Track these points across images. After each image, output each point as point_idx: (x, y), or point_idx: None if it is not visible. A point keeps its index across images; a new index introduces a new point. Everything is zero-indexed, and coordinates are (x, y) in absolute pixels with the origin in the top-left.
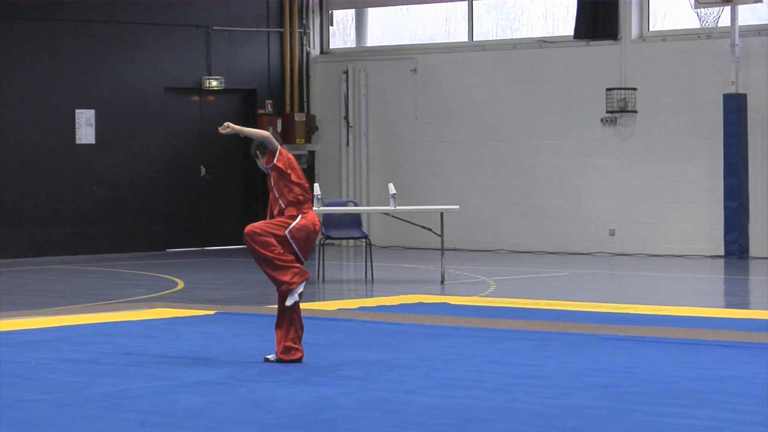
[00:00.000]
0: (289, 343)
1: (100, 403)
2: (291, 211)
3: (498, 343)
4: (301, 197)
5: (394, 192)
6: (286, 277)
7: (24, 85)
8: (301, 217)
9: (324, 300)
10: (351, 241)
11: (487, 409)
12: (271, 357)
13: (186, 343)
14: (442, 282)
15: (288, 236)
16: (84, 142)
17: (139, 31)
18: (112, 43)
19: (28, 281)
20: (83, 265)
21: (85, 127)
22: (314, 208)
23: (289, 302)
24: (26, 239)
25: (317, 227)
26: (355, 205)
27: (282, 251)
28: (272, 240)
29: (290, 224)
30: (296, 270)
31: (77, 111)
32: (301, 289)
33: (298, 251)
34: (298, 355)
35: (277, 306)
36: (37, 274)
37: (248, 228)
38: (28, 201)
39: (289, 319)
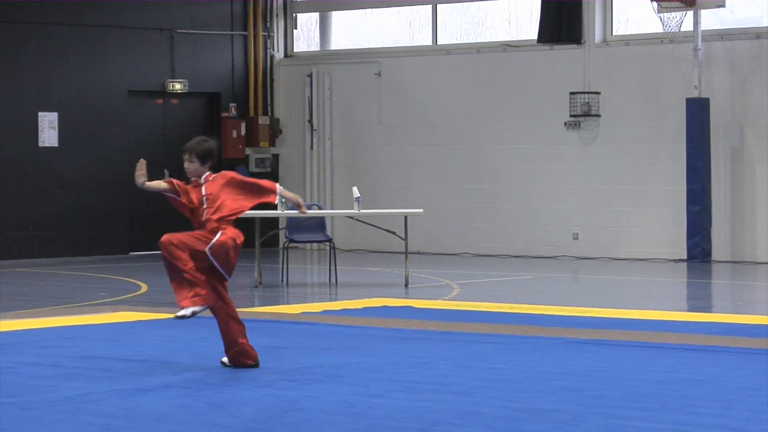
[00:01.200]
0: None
1: (63, 406)
2: (213, 225)
3: (462, 347)
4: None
5: (358, 195)
6: (186, 295)
7: None
8: (222, 233)
9: (288, 303)
10: (315, 245)
11: (451, 413)
12: (225, 360)
13: (149, 346)
14: (407, 285)
15: (208, 253)
16: (47, 145)
17: (103, 33)
18: (75, 45)
19: None
20: (47, 269)
21: (48, 130)
22: (278, 211)
23: (177, 313)
24: None
25: (238, 242)
26: (319, 208)
27: (194, 267)
28: (185, 255)
29: (211, 240)
30: (200, 294)
31: (40, 114)
32: (196, 310)
33: (219, 268)
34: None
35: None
36: (0, 277)
37: (166, 237)
38: None
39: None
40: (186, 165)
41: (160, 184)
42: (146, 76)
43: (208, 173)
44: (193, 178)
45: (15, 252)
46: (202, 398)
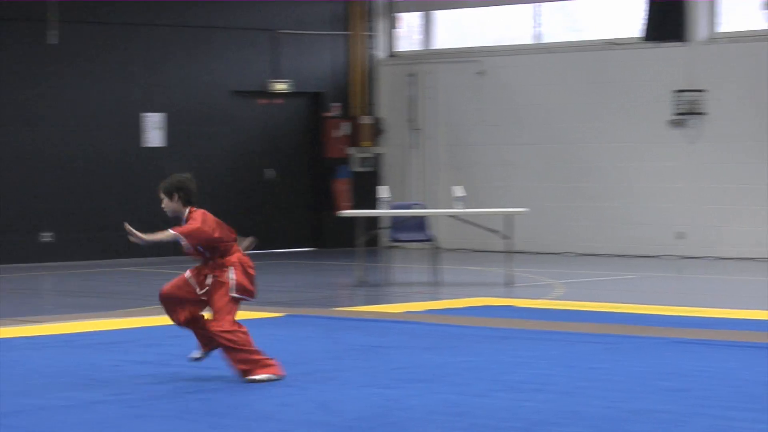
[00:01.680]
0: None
1: (171, 404)
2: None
3: (565, 347)
4: None
5: (461, 194)
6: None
7: (92, 88)
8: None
9: (390, 302)
10: (417, 244)
11: (554, 413)
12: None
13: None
14: (509, 285)
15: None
16: (151, 145)
17: (207, 34)
18: (179, 46)
19: (99, 283)
20: (152, 268)
21: (152, 131)
22: (381, 211)
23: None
24: (95, 242)
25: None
26: (422, 207)
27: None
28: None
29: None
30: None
31: (145, 114)
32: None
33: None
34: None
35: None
36: (107, 276)
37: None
38: (96, 204)
39: None
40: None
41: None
42: (250, 77)
43: (188, 209)
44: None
45: (122, 251)
46: (305, 397)
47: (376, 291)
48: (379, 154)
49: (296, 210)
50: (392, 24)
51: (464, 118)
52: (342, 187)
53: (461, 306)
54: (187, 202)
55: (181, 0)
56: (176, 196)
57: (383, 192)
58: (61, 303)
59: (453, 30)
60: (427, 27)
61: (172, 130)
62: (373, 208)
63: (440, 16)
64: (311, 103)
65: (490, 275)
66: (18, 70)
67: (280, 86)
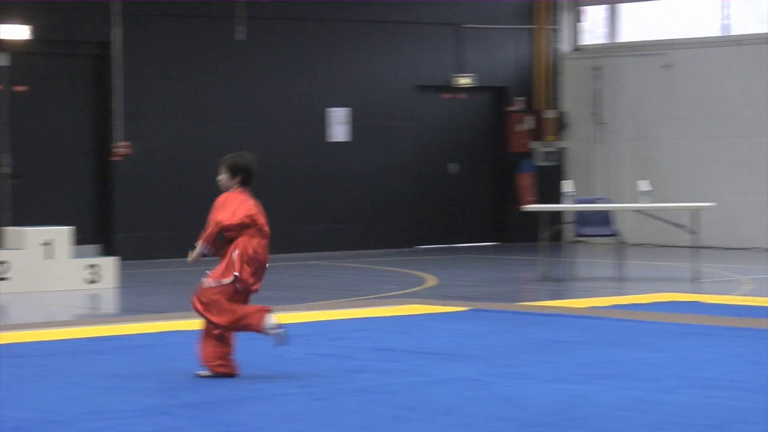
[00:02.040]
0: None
1: (355, 397)
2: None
3: (754, 343)
4: None
5: (647, 189)
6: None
7: (277, 83)
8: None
9: (575, 297)
10: (602, 239)
11: (745, 410)
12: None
13: (439, 339)
14: (696, 281)
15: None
16: (336, 140)
17: (392, 29)
18: (365, 41)
19: (284, 277)
20: (336, 261)
21: (338, 125)
22: (565, 205)
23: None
24: (281, 236)
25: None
26: (606, 202)
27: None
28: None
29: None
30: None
31: (330, 109)
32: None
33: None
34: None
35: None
36: (292, 270)
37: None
38: (282, 198)
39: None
40: (218, 177)
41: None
42: (434, 71)
43: (237, 187)
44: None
45: (307, 245)
46: (491, 391)
47: (561, 286)
48: (563, 149)
49: (480, 204)
50: (577, 17)
51: (650, 111)
52: (526, 181)
53: (647, 301)
54: (243, 184)
55: None
56: (239, 178)
57: (567, 186)
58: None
59: (638, 23)
60: (613, 20)
61: (356, 125)
62: (557, 202)
63: (625, 9)
64: (495, 97)
65: (676, 270)
66: (207, 67)
67: (464, 81)
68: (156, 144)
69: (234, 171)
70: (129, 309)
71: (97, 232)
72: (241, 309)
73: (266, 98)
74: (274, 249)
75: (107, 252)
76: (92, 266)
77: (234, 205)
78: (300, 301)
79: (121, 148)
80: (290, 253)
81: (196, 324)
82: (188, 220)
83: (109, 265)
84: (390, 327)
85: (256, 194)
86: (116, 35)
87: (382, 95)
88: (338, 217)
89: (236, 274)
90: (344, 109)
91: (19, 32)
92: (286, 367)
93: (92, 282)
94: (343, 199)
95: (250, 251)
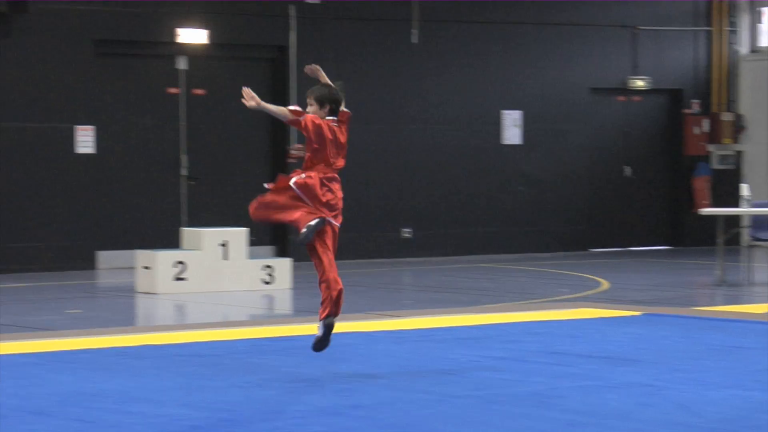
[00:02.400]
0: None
1: (528, 401)
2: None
3: None
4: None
5: None
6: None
7: (451, 86)
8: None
9: (752, 302)
10: None
11: None
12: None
13: (612, 343)
14: None
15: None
16: (510, 142)
17: (567, 31)
18: (539, 44)
19: (456, 279)
20: (509, 264)
21: (512, 128)
22: (741, 209)
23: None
24: (453, 238)
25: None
26: None
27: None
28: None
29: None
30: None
31: (504, 112)
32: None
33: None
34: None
35: None
36: (465, 272)
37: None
38: (454, 200)
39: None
40: (307, 108)
41: (281, 110)
42: (608, 74)
43: (331, 118)
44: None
45: (480, 247)
46: (665, 397)
47: (737, 291)
48: (739, 152)
49: (654, 208)
50: (755, 19)
51: None
52: (701, 184)
53: None
54: (332, 113)
55: None
56: (328, 108)
57: (744, 190)
58: (420, 298)
59: None
60: None
61: (529, 127)
62: (734, 206)
63: None
64: (670, 99)
65: None
66: (381, 70)
67: (639, 83)
68: None
69: (322, 101)
70: (302, 309)
71: (271, 234)
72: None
73: (440, 101)
74: (444, 251)
75: (281, 253)
76: (267, 267)
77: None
78: (473, 304)
79: (296, 150)
80: (463, 256)
81: (369, 326)
82: (360, 222)
83: (283, 266)
84: (563, 331)
85: (428, 196)
86: (292, 39)
87: (555, 98)
88: (511, 220)
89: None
90: (517, 111)
91: (197, 36)
92: (460, 370)
93: (267, 283)
94: (516, 202)
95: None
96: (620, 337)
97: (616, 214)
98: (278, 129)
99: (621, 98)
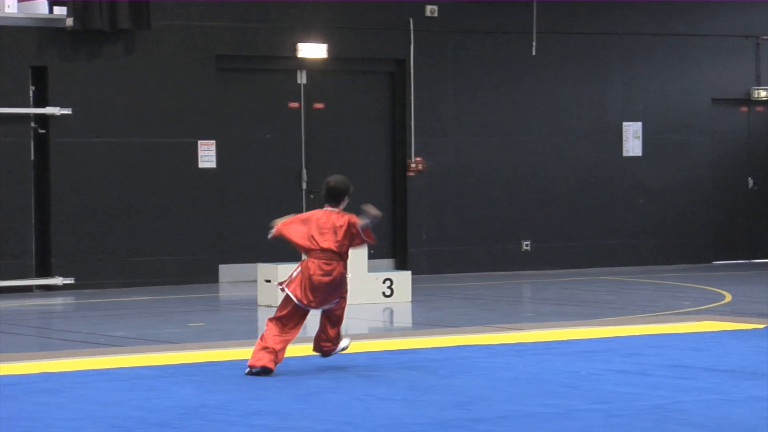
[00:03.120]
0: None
1: (651, 415)
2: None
3: None
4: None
5: None
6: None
7: (571, 97)
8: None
9: None
10: None
11: None
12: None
13: (735, 356)
14: None
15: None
16: (631, 154)
17: (687, 41)
18: (660, 54)
19: (577, 292)
20: (631, 277)
21: (632, 140)
22: None
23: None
24: (573, 250)
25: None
26: None
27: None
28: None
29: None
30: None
31: (625, 123)
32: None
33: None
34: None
35: None
36: (587, 285)
37: None
38: (574, 213)
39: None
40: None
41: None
42: (730, 84)
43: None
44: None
45: (602, 260)
46: None
47: None
48: None
49: None
50: None
51: None
52: None
53: None
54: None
55: (661, 8)
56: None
57: None
58: (541, 311)
59: None
60: None
61: (648, 139)
62: None
63: None
64: None
65: None
66: (500, 82)
67: (763, 93)
68: (450, 159)
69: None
70: (422, 323)
71: (391, 247)
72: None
73: (559, 113)
74: (564, 264)
75: (400, 266)
76: (387, 280)
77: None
78: (595, 317)
79: (417, 163)
80: (583, 268)
81: (490, 339)
82: (479, 235)
83: (403, 279)
84: (685, 344)
85: (548, 208)
86: (412, 52)
87: (676, 108)
88: (633, 232)
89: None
90: (638, 123)
91: (316, 51)
92: (581, 383)
93: (387, 296)
94: (638, 214)
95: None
96: (744, 351)
97: (739, 225)
98: (398, 142)
99: (744, 109)
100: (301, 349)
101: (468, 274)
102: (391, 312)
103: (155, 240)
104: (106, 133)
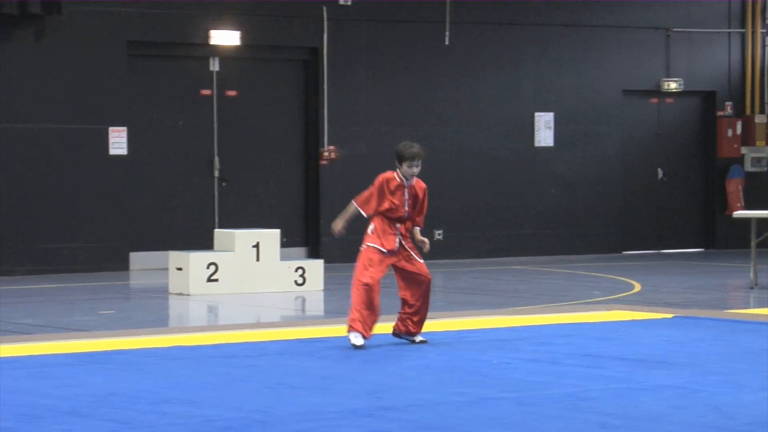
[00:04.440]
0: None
1: (561, 403)
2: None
3: None
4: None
5: None
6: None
7: (484, 88)
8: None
9: None
10: None
11: None
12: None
13: (644, 346)
14: None
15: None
16: (543, 144)
17: (600, 33)
18: (572, 46)
19: (490, 281)
20: (542, 266)
21: (544, 130)
22: None
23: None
24: (484, 240)
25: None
26: None
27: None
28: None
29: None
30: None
31: (537, 114)
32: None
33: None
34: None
35: None
36: (499, 274)
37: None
38: (486, 203)
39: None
40: (414, 170)
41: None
42: (641, 75)
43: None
44: (395, 180)
45: (513, 249)
46: (698, 399)
47: None
48: None
49: (687, 210)
50: None
51: None
52: (735, 187)
53: None
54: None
55: (572, 0)
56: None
57: None
58: (452, 299)
59: None
60: None
61: (560, 129)
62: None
63: None
64: (703, 102)
65: None
66: (413, 72)
67: (673, 85)
68: (362, 148)
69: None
70: (334, 311)
71: (303, 235)
72: None
73: (472, 103)
74: (475, 253)
75: (312, 254)
76: (300, 269)
77: None
78: (505, 306)
79: (329, 152)
80: (495, 258)
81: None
82: None
83: (315, 267)
84: (595, 333)
85: (461, 198)
86: (325, 40)
87: (587, 100)
88: (544, 222)
89: None
90: (550, 113)
91: (229, 38)
92: (492, 372)
93: (299, 284)
94: (549, 204)
95: None
96: (653, 340)
97: (648, 216)
98: (311, 131)
99: (654, 100)
100: (212, 337)
101: None
102: (303, 300)
103: (65, 227)
104: (16, 118)
